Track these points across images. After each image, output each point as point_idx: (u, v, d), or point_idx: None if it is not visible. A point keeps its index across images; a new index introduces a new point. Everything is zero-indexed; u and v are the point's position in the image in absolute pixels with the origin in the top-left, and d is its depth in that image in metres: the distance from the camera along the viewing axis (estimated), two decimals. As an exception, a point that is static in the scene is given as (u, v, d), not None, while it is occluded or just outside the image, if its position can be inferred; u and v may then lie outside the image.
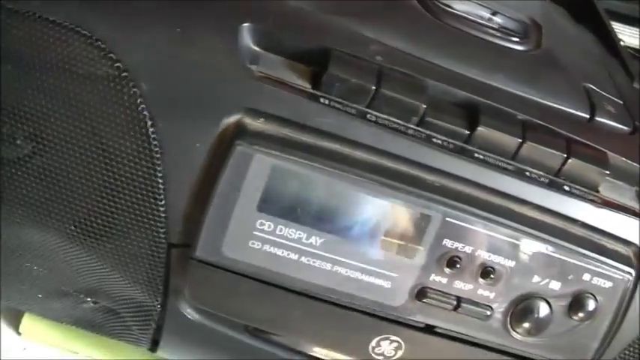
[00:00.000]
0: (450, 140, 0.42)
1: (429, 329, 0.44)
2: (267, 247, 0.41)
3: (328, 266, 0.41)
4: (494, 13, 0.50)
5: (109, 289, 0.45)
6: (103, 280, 0.44)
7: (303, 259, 0.41)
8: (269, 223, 0.40)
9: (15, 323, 0.51)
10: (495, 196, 0.42)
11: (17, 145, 0.41)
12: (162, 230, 0.41)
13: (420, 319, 0.43)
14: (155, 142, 0.39)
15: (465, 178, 0.42)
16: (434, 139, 0.42)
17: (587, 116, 0.46)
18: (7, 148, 0.41)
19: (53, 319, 0.49)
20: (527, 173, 0.43)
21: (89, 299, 0.46)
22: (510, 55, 0.48)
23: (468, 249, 0.42)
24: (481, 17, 0.49)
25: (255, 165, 0.39)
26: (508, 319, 0.44)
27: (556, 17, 0.57)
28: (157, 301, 0.43)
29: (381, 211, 0.41)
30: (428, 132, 0.42)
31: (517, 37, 0.49)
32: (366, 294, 0.42)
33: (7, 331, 0.51)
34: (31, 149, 0.41)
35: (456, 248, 0.42)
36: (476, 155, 0.42)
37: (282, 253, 0.41)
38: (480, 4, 0.50)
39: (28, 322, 0.50)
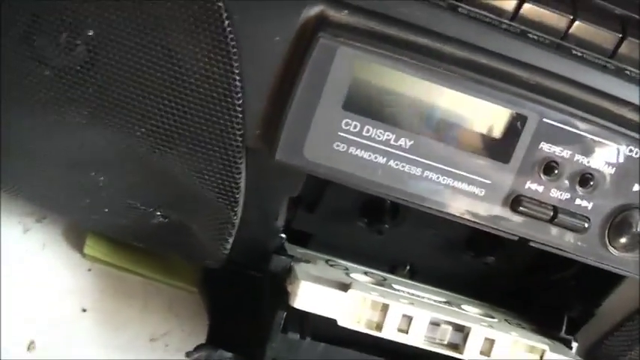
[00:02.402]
0: (546, 36, 0.39)
1: (524, 242, 0.41)
2: (352, 150, 0.38)
3: (418, 171, 0.39)
4: None
5: (181, 202, 0.42)
6: (174, 191, 0.42)
7: (392, 162, 0.38)
8: (355, 123, 0.37)
9: (79, 245, 0.49)
10: (595, 95, 0.39)
11: (75, 53, 0.39)
12: (239, 133, 0.38)
13: (514, 231, 0.40)
14: (231, 37, 0.36)
15: (563, 76, 0.39)
16: (529, 35, 0.39)
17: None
18: (65, 56, 0.39)
19: (119, 237, 0.47)
20: (628, 72, 0.40)
21: (158, 213, 0.43)
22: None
23: (566, 153, 0.39)
24: None
25: (339, 59, 0.36)
26: (606, 232, 0.41)
27: None
28: (234, 211, 0.41)
29: (474, 110, 0.38)
30: (523, 27, 0.39)
31: None
32: (458, 202, 0.39)
33: (71, 252, 0.49)
34: (92, 49, 0.39)
35: (554, 152, 0.39)
36: (573, 52, 0.39)
37: (369, 156, 0.38)
38: None
39: (92, 243, 0.48)
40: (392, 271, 0.49)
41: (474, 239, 0.48)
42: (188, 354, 0.40)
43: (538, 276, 0.49)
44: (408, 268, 0.50)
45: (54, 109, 0.40)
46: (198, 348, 0.40)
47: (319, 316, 0.40)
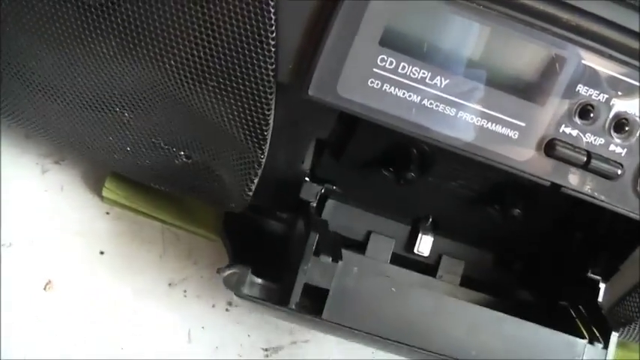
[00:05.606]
0: (587, -23, 0.38)
1: (555, 188, 0.40)
2: (387, 87, 0.37)
3: (452, 111, 0.38)
4: None
5: (205, 141, 0.42)
6: (200, 129, 0.41)
7: (426, 101, 0.38)
8: (391, 59, 0.37)
9: (97, 188, 0.48)
10: (636, 40, 0.38)
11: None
12: (271, 67, 0.37)
13: (547, 176, 0.40)
14: (266, -33, 0.36)
15: (604, 18, 0.38)
16: (569, -25, 0.38)
17: None
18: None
19: (141, 179, 0.46)
20: (670, 18, 0.39)
21: (182, 153, 0.42)
22: None
23: (603, 97, 0.38)
24: None
25: (378, -8, 0.36)
26: (639, 179, 0.40)
27: None
28: (261, 149, 0.40)
29: (512, 50, 0.37)
30: (562, -33, 0.38)
31: None
32: (491, 145, 0.39)
33: (89, 195, 0.48)
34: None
35: (590, 96, 0.38)
36: (615, -5, 0.38)
37: (404, 94, 0.37)
38: None
39: (111, 186, 0.47)
40: (415, 224, 0.49)
41: (501, 192, 0.47)
42: (219, 270, 0.39)
43: (563, 233, 0.49)
44: (430, 220, 0.49)
45: (79, 41, 0.39)
46: (230, 265, 0.39)
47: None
